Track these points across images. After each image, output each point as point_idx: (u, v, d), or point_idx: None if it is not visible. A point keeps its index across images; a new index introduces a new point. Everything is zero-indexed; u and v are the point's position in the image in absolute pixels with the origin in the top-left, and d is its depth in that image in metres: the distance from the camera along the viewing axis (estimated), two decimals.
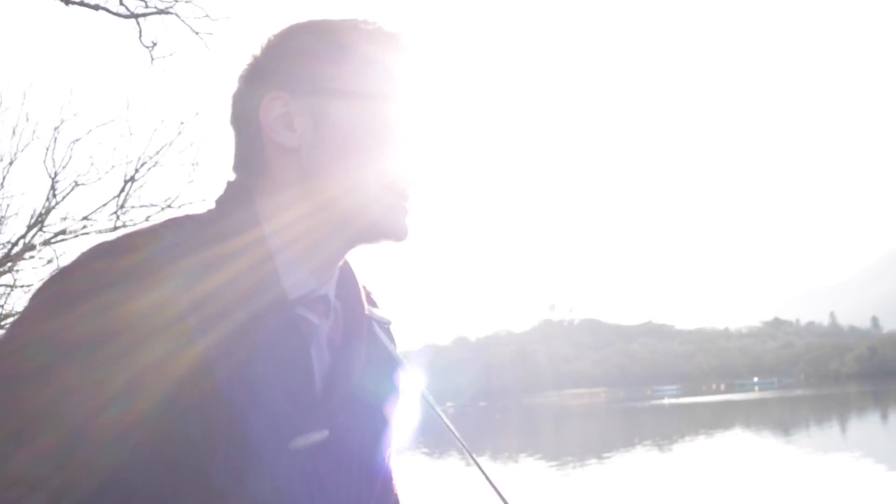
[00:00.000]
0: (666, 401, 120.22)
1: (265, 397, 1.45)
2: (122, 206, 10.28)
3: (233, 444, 1.40)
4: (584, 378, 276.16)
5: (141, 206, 10.43)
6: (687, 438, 43.39)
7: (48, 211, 10.12)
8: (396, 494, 1.87)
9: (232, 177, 1.67)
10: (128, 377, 1.34)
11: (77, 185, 10.24)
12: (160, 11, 10.64)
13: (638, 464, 30.89)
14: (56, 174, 10.17)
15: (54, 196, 10.13)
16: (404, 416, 1.81)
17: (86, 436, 1.31)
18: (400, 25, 1.65)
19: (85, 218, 10.18)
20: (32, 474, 1.27)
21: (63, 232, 10.07)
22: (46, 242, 9.92)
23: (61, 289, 1.38)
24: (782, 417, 59.28)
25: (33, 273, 9.84)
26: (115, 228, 10.14)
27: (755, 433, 44.21)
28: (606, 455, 34.50)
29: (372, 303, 1.85)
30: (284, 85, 1.58)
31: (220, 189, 1.66)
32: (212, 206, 1.63)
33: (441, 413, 1.85)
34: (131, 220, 10.31)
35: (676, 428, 53.82)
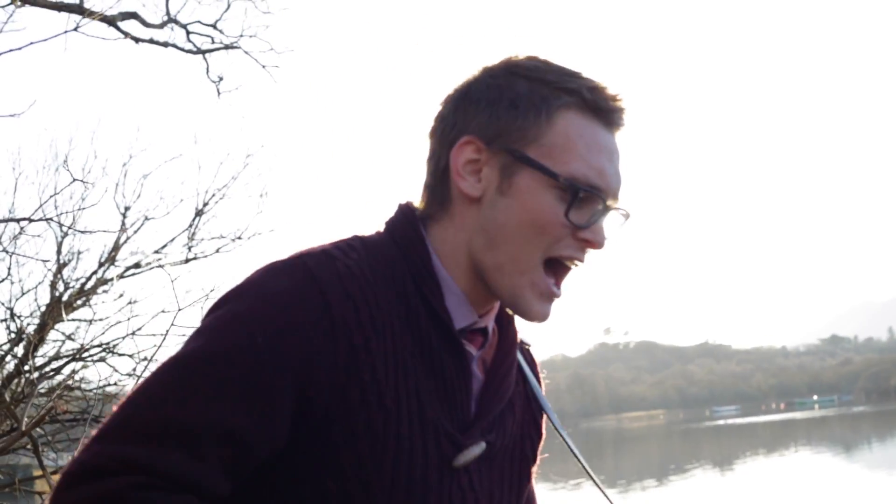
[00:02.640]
0: (723, 422, 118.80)
1: (429, 415, 1.54)
2: (192, 239, 10.38)
3: (400, 458, 1.50)
4: (642, 401, 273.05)
5: (211, 239, 10.53)
6: (748, 459, 42.95)
7: (119, 246, 10.27)
8: None
9: (403, 199, 1.72)
10: (296, 393, 1.44)
11: (147, 219, 10.33)
12: (226, 47, 10.79)
13: (700, 486, 30.66)
14: (126, 209, 10.34)
15: (124, 231, 10.29)
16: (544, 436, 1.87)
17: (249, 444, 1.40)
18: (618, 92, 1.63)
19: (156, 251, 10.31)
20: (199, 479, 1.35)
21: (136, 265, 10.19)
22: (120, 277, 10.05)
23: (236, 309, 1.47)
24: (843, 435, 58.52)
25: (109, 306, 10.00)
26: (187, 261, 10.19)
27: (816, 452, 43.65)
28: (668, 478, 34.25)
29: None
30: (484, 131, 1.60)
31: (389, 211, 1.71)
32: (379, 227, 1.68)
33: (565, 436, 1.90)
34: (202, 252, 10.34)
35: (737, 448, 53.25)
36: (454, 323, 1.61)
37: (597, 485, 1.95)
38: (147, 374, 1.45)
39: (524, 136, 1.58)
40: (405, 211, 1.69)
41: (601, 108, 1.61)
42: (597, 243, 1.61)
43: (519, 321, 1.78)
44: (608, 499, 1.93)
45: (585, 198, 1.58)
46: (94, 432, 1.38)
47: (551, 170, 1.56)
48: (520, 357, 1.83)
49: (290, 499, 1.49)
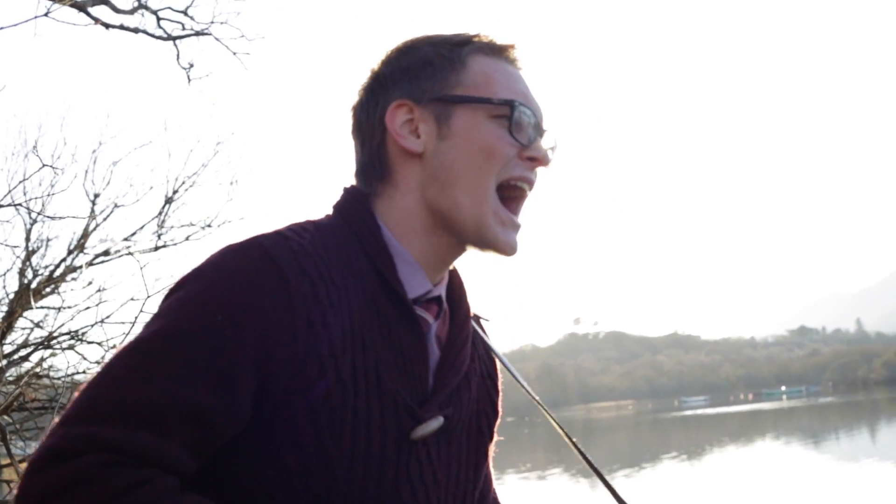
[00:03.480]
0: (692, 412, 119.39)
1: (388, 388, 1.56)
2: (161, 226, 10.38)
3: (358, 431, 1.52)
4: (611, 391, 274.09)
5: (181, 226, 10.54)
6: (716, 449, 43.17)
7: (88, 233, 10.22)
8: (493, 488, 1.99)
9: (347, 184, 1.77)
10: (257, 369, 1.46)
11: (116, 206, 10.34)
12: (197, 33, 10.83)
13: (669, 475, 30.79)
14: (96, 196, 10.30)
15: (94, 218, 10.23)
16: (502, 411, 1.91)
17: (213, 421, 1.42)
18: (510, 37, 1.74)
19: (125, 239, 10.28)
20: (168, 458, 1.37)
21: (105, 253, 10.15)
22: (88, 264, 10.00)
23: (196, 289, 1.50)
24: (811, 426, 58.81)
25: (78, 294, 9.95)
26: (157, 248, 10.23)
27: (784, 442, 43.89)
28: (636, 467, 34.38)
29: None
30: (409, 93, 1.69)
31: (335, 196, 1.76)
32: (328, 211, 1.74)
33: (540, 403, 1.94)
34: (171, 240, 10.40)
35: (705, 439, 53.51)
36: (409, 293, 1.65)
37: (583, 456, 1.97)
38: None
39: (447, 84, 1.69)
40: (352, 192, 1.75)
41: (502, 49, 1.74)
42: (542, 159, 1.71)
43: (471, 296, 1.84)
44: (593, 468, 1.92)
45: (520, 120, 1.67)
46: (58, 418, 1.38)
47: (483, 96, 1.67)
48: (479, 331, 1.90)
49: (252, 478, 1.51)
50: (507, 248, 1.69)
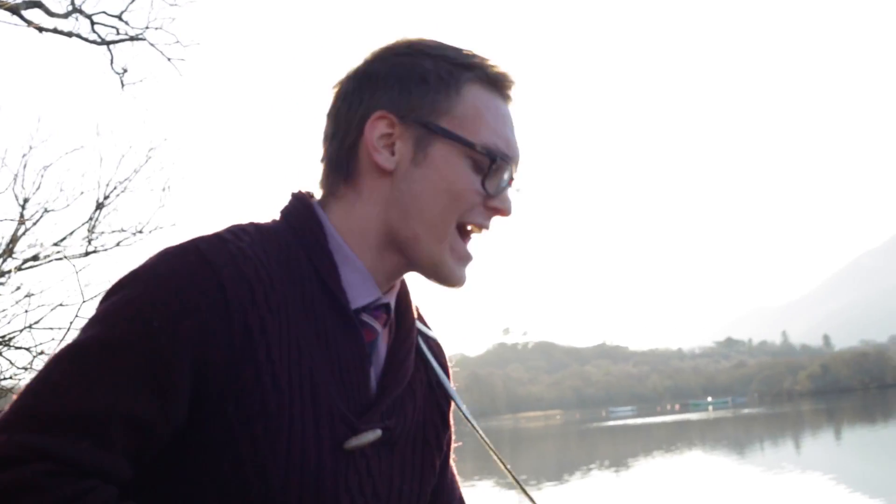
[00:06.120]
0: (619, 422, 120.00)
1: (323, 398, 1.54)
2: (92, 231, 10.26)
3: (293, 441, 1.50)
4: (540, 401, 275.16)
5: (112, 232, 10.41)
6: (643, 459, 43.47)
7: (17, 238, 10.10)
8: (461, 496, 1.96)
9: (296, 188, 1.74)
10: (193, 374, 1.45)
11: (47, 211, 10.21)
12: (131, 38, 10.69)
13: (596, 485, 30.96)
14: (25, 201, 10.18)
15: (23, 223, 10.12)
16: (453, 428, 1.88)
17: (153, 428, 1.42)
18: (510, 67, 1.70)
19: (55, 244, 10.16)
20: (107, 467, 1.36)
21: (34, 258, 10.05)
22: (17, 269, 9.88)
23: (131, 294, 1.47)
24: (736, 436, 59.37)
25: (6, 299, 9.80)
26: (87, 254, 10.10)
27: (709, 453, 44.32)
28: (564, 477, 34.52)
29: (422, 320, 1.91)
30: (395, 106, 1.64)
31: (283, 200, 1.72)
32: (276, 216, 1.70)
33: (476, 427, 1.92)
34: (102, 246, 10.23)
35: (633, 448, 53.90)
36: (355, 301, 1.64)
37: (510, 473, 1.92)
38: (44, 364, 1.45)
39: (436, 109, 1.64)
40: (299, 197, 1.72)
41: (499, 82, 1.70)
42: (506, 211, 1.68)
43: (417, 308, 1.84)
44: (518, 484, 1.93)
45: (496, 172, 1.65)
46: None
47: (467, 139, 1.63)
48: (424, 346, 1.86)
49: (188, 484, 1.50)
50: (459, 283, 1.69)
